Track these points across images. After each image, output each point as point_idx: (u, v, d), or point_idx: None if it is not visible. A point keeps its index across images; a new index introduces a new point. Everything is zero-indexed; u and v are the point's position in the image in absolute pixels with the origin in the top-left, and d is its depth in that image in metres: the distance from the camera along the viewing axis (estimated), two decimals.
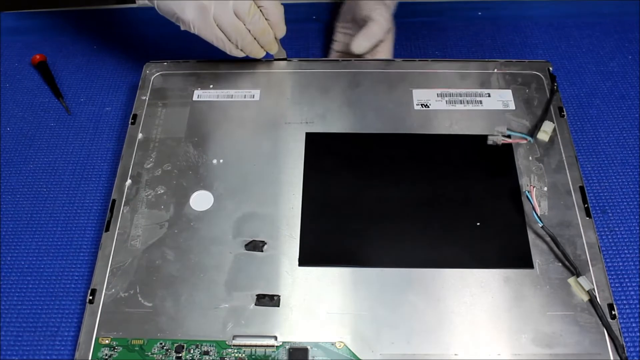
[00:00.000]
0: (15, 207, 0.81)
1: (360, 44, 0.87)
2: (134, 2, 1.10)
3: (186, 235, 0.71)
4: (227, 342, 0.64)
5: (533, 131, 0.77)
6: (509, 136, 0.77)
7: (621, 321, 0.69)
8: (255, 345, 0.64)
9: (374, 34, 0.87)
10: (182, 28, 0.78)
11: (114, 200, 0.74)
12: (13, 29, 1.05)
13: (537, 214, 0.69)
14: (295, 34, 1.01)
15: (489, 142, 0.77)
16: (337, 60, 0.87)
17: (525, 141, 0.76)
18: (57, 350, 0.70)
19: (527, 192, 0.71)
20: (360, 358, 0.63)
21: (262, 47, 0.82)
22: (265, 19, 0.79)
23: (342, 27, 0.94)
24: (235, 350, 0.64)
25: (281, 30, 0.82)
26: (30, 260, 0.77)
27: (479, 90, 0.82)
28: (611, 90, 0.92)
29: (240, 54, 0.81)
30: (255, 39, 0.80)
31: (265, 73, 0.86)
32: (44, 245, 0.78)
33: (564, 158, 0.76)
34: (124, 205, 0.74)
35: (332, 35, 0.95)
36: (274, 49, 0.83)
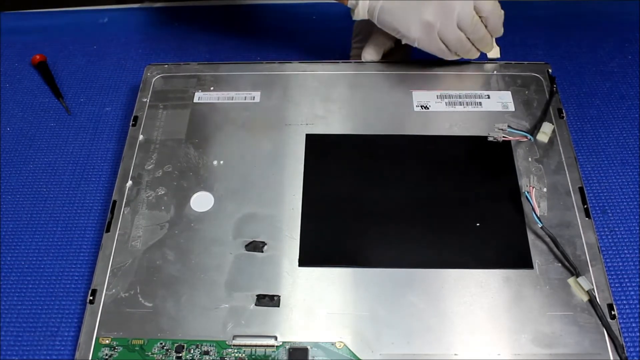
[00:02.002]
0: (15, 207, 0.82)
1: (368, 53, 0.88)
2: (134, 3, 1.10)
3: (187, 236, 0.71)
4: (227, 342, 0.64)
5: (532, 132, 0.77)
6: (509, 133, 0.77)
7: (621, 321, 0.69)
8: (256, 345, 0.64)
9: (381, 42, 0.88)
10: (403, 42, 0.80)
11: (114, 202, 0.74)
12: (13, 29, 1.06)
13: (536, 215, 0.69)
14: (295, 34, 1.02)
15: (489, 138, 0.77)
16: (337, 61, 0.87)
17: (525, 139, 0.76)
18: (57, 350, 0.70)
19: (526, 192, 0.71)
20: (361, 358, 0.63)
21: (478, 49, 0.83)
22: (484, 24, 0.79)
23: (356, 42, 0.95)
24: (235, 350, 0.64)
25: (499, 33, 0.82)
26: (30, 260, 0.77)
27: (479, 92, 0.82)
28: (611, 90, 0.92)
29: (456, 58, 0.82)
30: (473, 44, 0.81)
31: (266, 75, 0.86)
32: (44, 245, 0.78)
33: (564, 159, 0.76)
34: (124, 206, 0.74)
35: (349, 52, 0.96)
36: (490, 49, 0.84)
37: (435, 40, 0.78)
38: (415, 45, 0.79)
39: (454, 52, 0.80)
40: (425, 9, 0.75)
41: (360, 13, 0.80)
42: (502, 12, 0.79)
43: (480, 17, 0.78)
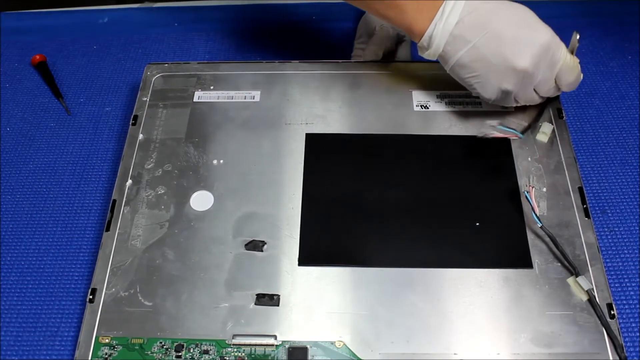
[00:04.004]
0: (15, 207, 0.82)
1: (369, 53, 0.88)
2: (134, 3, 1.10)
3: (186, 235, 0.71)
4: (226, 341, 0.64)
5: (524, 132, 0.78)
6: (499, 130, 0.77)
7: (621, 321, 0.69)
8: (255, 345, 0.64)
9: (381, 42, 0.88)
10: (473, 94, 0.78)
11: (114, 201, 0.74)
12: (13, 29, 1.06)
13: (536, 214, 0.69)
14: (295, 34, 1.02)
15: (479, 134, 0.77)
16: (337, 61, 0.87)
17: (515, 137, 0.77)
18: (57, 350, 0.70)
19: (526, 192, 0.71)
20: (360, 357, 0.63)
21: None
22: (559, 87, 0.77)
23: (358, 43, 0.95)
24: (235, 349, 0.64)
25: (570, 89, 0.77)
26: (30, 260, 0.77)
27: None
28: (611, 90, 0.92)
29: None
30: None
31: (266, 74, 0.86)
32: (44, 245, 0.78)
33: (563, 159, 0.76)
34: (124, 205, 0.74)
35: (351, 52, 0.96)
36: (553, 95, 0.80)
37: (510, 101, 0.76)
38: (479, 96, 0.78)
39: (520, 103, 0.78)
40: (507, 79, 0.72)
41: (430, 55, 0.76)
42: (582, 76, 0.77)
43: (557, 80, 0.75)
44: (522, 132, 0.78)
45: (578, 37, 0.73)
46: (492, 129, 0.78)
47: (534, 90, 0.75)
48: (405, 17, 0.73)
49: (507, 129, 0.77)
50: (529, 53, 0.70)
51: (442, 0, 0.72)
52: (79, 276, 0.75)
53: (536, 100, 0.77)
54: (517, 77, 0.72)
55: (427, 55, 0.76)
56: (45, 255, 0.77)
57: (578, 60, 0.74)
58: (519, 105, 0.77)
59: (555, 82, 0.74)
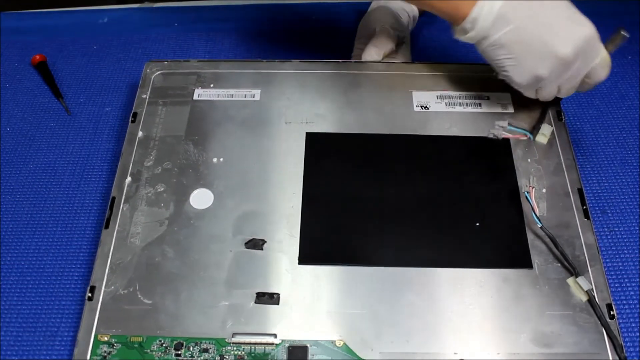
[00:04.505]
0: (15, 207, 0.82)
1: (369, 54, 0.88)
2: (134, 3, 1.10)
3: (186, 233, 0.71)
4: (226, 340, 0.64)
5: (532, 134, 0.78)
6: (509, 131, 0.77)
7: (621, 321, 0.69)
8: (255, 343, 0.64)
9: (381, 43, 0.88)
10: (499, 77, 0.77)
11: (113, 198, 0.74)
12: (13, 29, 1.06)
13: (536, 215, 0.69)
14: (295, 34, 1.02)
15: (490, 135, 0.77)
16: (337, 61, 0.87)
17: (525, 137, 0.76)
18: (56, 350, 0.70)
19: (526, 192, 0.71)
20: (360, 356, 0.63)
21: None
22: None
23: (359, 43, 0.95)
24: (235, 348, 0.64)
25: (592, 87, 0.77)
26: (30, 260, 0.77)
27: (478, 93, 0.82)
28: (611, 90, 0.92)
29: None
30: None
31: (266, 73, 0.86)
32: (44, 245, 0.78)
33: (562, 161, 0.76)
34: (123, 203, 0.74)
35: (351, 52, 0.96)
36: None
37: (531, 90, 0.76)
38: (506, 80, 0.76)
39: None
40: (544, 65, 0.71)
41: (470, 38, 0.74)
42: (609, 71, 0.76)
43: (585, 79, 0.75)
44: (531, 132, 0.78)
45: (625, 34, 0.75)
46: (501, 129, 0.77)
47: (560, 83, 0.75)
48: (450, 1, 0.73)
49: (517, 129, 0.77)
50: (573, 42, 0.70)
51: None
52: (79, 276, 0.75)
53: (553, 96, 0.76)
54: (554, 65, 0.71)
55: (466, 38, 0.75)
56: (45, 255, 0.77)
57: (610, 60, 0.74)
58: (534, 97, 0.77)
59: (584, 78, 0.74)
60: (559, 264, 0.68)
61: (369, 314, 0.65)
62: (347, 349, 0.63)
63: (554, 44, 0.70)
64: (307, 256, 0.69)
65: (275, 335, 0.64)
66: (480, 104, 0.81)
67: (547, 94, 0.75)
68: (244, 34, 1.03)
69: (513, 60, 0.73)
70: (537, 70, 0.72)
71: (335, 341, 0.64)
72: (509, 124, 0.78)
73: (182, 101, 0.83)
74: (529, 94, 0.77)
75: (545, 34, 0.70)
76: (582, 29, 0.71)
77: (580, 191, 0.73)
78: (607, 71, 0.74)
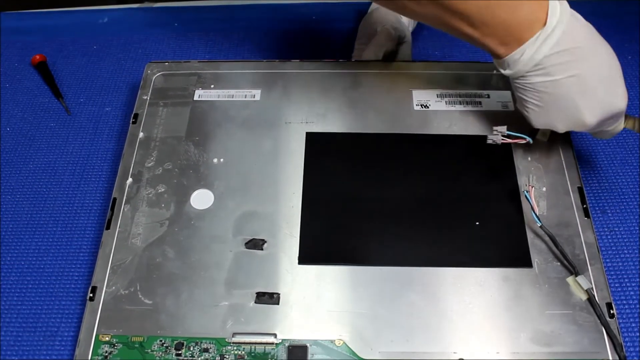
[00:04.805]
0: (15, 207, 0.82)
1: (369, 53, 0.88)
2: (134, 3, 1.10)
3: (187, 233, 0.71)
4: (226, 340, 0.64)
5: (532, 134, 0.77)
6: (508, 136, 0.77)
7: (621, 321, 0.69)
8: (255, 343, 0.64)
9: (381, 43, 0.88)
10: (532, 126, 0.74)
11: (114, 199, 0.74)
12: (13, 29, 1.06)
13: (535, 214, 0.69)
14: (296, 34, 1.02)
15: (489, 141, 0.76)
16: (338, 60, 0.87)
17: (524, 141, 0.76)
18: (57, 350, 0.70)
19: (525, 192, 0.71)
20: (360, 356, 0.63)
21: None
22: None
23: (359, 43, 0.95)
24: (235, 348, 0.64)
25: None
26: (30, 260, 0.77)
27: (479, 92, 0.82)
28: None
29: None
30: None
31: (266, 73, 0.86)
32: (44, 245, 0.78)
33: (563, 159, 0.76)
34: (124, 204, 0.74)
35: (351, 52, 0.96)
36: None
37: (546, 132, 0.77)
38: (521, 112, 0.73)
39: None
40: (565, 123, 0.70)
41: (507, 74, 0.70)
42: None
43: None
44: (530, 134, 0.77)
45: None
46: (500, 135, 0.77)
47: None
48: (494, 38, 0.67)
49: (516, 135, 0.77)
50: (600, 114, 0.68)
51: (537, 28, 0.65)
52: (79, 276, 0.75)
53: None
54: (574, 126, 0.70)
55: (504, 73, 0.70)
56: (45, 255, 0.77)
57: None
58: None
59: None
60: (559, 263, 0.68)
61: (368, 313, 0.65)
62: (347, 348, 0.63)
63: (583, 112, 0.67)
64: (307, 256, 0.70)
65: (275, 335, 0.64)
66: (480, 103, 0.81)
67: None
68: (244, 34, 1.03)
69: (538, 108, 0.70)
70: (556, 123, 0.70)
71: (335, 340, 0.64)
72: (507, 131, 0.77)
73: (182, 102, 0.83)
74: (541, 132, 0.77)
75: (579, 98, 0.67)
76: (616, 102, 0.68)
77: (580, 190, 0.73)
78: (613, 135, 0.74)
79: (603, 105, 0.68)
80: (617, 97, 0.68)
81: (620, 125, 0.72)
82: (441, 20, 0.67)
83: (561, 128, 0.70)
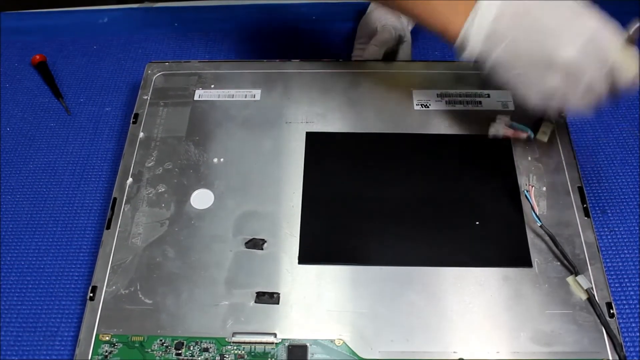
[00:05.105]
0: (15, 207, 0.82)
1: (369, 53, 0.89)
2: (134, 3, 1.10)
3: (187, 233, 0.72)
4: (226, 339, 0.64)
5: (534, 127, 0.77)
6: (511, 126, 0.76)
7: (621, 321, 0.69)
8: (255, 342, 0.64)
9: (382, 41, 0.88)
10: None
11: (114, 199, 0.74)
12: (13, 29, 1.06)
13: (535, 214, 0.69)
14: (295, 34, 1.02)
15: (490, 132, 0.76)
16: (337, 60, 0.87)
17: (526, 135, 0.76)
18: (57, 350, 0.70)
19: (525, 191, 0.71)
20: (360, 356, 0.63)
21: None
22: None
23: (359, 43, 0.95)
24: (235, 347, 0.64)
25: (629, 90, 0.66)
26: (30, 260, 0.77)
27: (479, 91, 0.82)
28: None
29: None
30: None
31: (266, 73, 0.86)
32: (44, 245, 0.78)
33: (563, 159, 0.76)
34: (125, 204, 0.74)
35: (351, 52, 0.96)
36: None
37: (557, 105, 0.66)
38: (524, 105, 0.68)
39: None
40: (551, 74, 0.63)
41: (467, 56, 0.67)
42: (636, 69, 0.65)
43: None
44: (532, 129, 0.77)
45: (639, 24, 0.65)
46: (502, 124, 0.77)
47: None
48: (439, 17, 0.67)
49: (519, 125, 0.76)
50: (573, 42, 0.62)
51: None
52: (79, 276, 0.75)
53: (591, 105, 0.66)
54: (562, 72, 0.63)
55: (464, 57, 0.67)
56: (45, 255, 0.77)
57: (637, 55, 0.65)
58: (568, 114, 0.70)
59: (612, 83, 0.65)
60: (559, 263, 0.68)
61: (368, 313, 0.66)
62: (346, 348, 0.63)
63: (554, 48, 0.62)
64: (307, 256, 0.70)
65: (275, 335, 0.64)
66: (480, 102, 0.81)
67: (577, 106, 0.66)
68: (244, 34, 1.03)
69: (519, 77, 0.65)
70: (547, 82, 0.64)
71: (335, 340, 0.64)
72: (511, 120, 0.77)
73: (183, 102, 0.83)
74: (558, 111, 0.69)
75: (544, 39, 0.63)
76: (584, 24, 0.62)
77: (580, 189, 0.73)
78: (633, 69, 0.64)
79: (572, 31, 0.63)
80: (586, 19, 0.63)
81: (622, 50, 0.64)
82: (393, 4, 0.70)
83: (555, 83, 0.63)
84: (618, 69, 0.63)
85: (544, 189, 0.73)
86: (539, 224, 0.68)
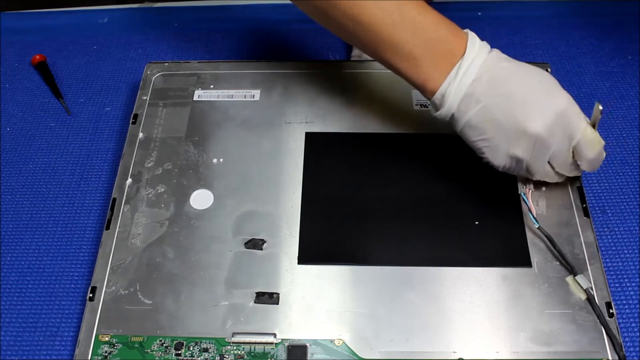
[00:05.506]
0: (15, 207, 0.82)
1: None
2: (134, 3, 1.10)
3: (186, 233, 0.72)
4: (226, 339, 0.64)
5: None
6: None
7: (621, 321, 0.69)
8: (255, 343, 0.64)
9: None
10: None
11: (114, 199, 0.74)
12: (13, 29, 1.06)
13: (533, 215, 0.69)
14: (296, 34, 1.02)
15: None
16: (337, 60, 0.87)
17: None
18: (57, 350, 0.70)
19: (522, 194, 0.71)
20: (359, 356, 0.63)
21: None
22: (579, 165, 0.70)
23: None
24: (235, 347, 0.64)
25: (591, 168, 0.70)
26: (30, 260, 0.77)
27: None
28: (611, 90, 0.91)
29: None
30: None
31: (266, 73, 0.86)
32: (44, 245, 0.78)
33: None
34: (124, 204, 0.74)
35: (351, 52, 0.96)
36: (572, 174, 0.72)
37: (521, 170, 0.69)
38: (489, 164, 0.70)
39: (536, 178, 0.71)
40: (517, 144, 0.65)
41: (442, 115, 0.69)
42: (604, 154, 0.69)
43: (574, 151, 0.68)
44: None
45: (601, 108, 0.66)
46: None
47: (549, 164, 0.69)
48: (419, 71, 0.67)
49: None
50: (542, 116, 0.64)
51: (460, 56, 0.66)
52: (79, 276, 0.75)
53: (551, 176, 0.70)
54: (528, 143, 0.65)
55: (438, 115, 0.69)
56: (45, 255, 0.77)
57: (599, 136, 0.68)
58: (533, 179, 0.71)
59: (574, 158, 0.68)
60: (558, 263, 0.68)
61: (368, 313, 0.66)
62: (346, 348, 0.63)
63: (524, 120, 0.64)
64: (307, 256, 0.70)
65: (274, 335, 0.64)
66: None
67: (540, 175, 0.70)
68: (244, 34, 1.03)
69: (487, 142, 0.67)
70: (511, 149, 0.66)
71: (334, 340, 0.64)
72: None
73: (182, 102, 0.83)
74: (521, 175, 0.71)
75: (514, 108, 0.65)
76: (555, 101, 0.65)
77: (580, 189, 0.73)
78: (596, 150, 0.68)
79: (542, 106, 0.65)
80: (556, 97, 0.66)
81: (587, 130, 0.67)
82: (374, 50, 0.69)
83: (520, 152, 0.66)
84: (582, 144, 0.66)
85: (544, 188, 0.73)
86: (536, 225, 0.68)
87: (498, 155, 0.67)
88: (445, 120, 0.69)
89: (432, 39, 0.66)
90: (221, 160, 0.77)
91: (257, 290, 0.67)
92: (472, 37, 0.67)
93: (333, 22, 0.69)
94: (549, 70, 0.83)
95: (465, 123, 0.67)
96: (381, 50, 0.68)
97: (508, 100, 0.65)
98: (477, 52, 0.66)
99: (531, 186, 0.73)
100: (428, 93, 0.69)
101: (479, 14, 1.04)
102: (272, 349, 0.64)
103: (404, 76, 0.70)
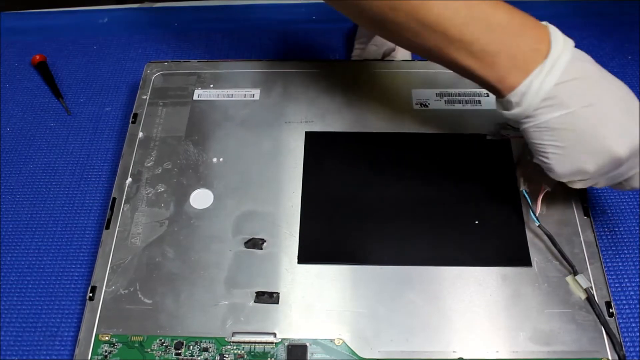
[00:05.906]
0: (15, 207, 0.82)
1: (369, 52, 0.89)
2: (134, 3, 1.10)
3: (186, 233, 0.72)
4: (226, 339, 0.64)
5: None
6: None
7: (621, 321, 0.69)
8: (255, 342, 0.64)
9: (382, 42, 0.89)
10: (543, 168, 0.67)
11: (114, 199, 0.74)
12: (13, 29, 1.06)
13: (534, 213, 0.69)
14: (296, 34, 1.02)
15: (488, 136, 0.77)
16: (337, 60, 0.87)
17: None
18: (57, 350, 0.70)
19: (524, 191, 0.71)
20: (359, 355, 0.63)
21: None
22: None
23: (358, 43, 0.95)
24: (235, 347, 0.64)
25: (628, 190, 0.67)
26: (30, 260, 0.77)
27: (478, 90, 0.82)
28: None
29: None
30: None
31: (265, 72, 0.86)
32: (44, 245, 0.78)
33: None
34: (124, 203, 0.74)
35: (351, 52, 0.96)
36: None
37: (574, 180, 0.65)
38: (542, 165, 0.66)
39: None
40: (593, 160, 0.61)
41: (515, 114, 0.63)
42: None
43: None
44: None
45: None
46: (500, 129, 0.76)
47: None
48: (494, 68, 0.62)
49: (517, 134, 0.76)
50: (630, 142, 0.60)
51: (541, 58, 0.60)
52: (79, 276, 0.75)
53: (587, 186, 0.67)
54: (604, 162, 0.61)
55: (510, 114, 0.63)
56: (45, 255, 0.77)
57: None
58: (574, 186, 0.67)
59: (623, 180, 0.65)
60: (558, 262, 0.68)
61: (368, 312, 0.66)
62: (346, 347, 0.63)
63: (611, 141, 0.60)
64: (307, 255, 0.70)
65: (274, 334, 0.64)
66: (479, 102, 0.81)
67: (582, 185, 0.66)
68: (244, 34, 1.03)
69: (559, 149, 0.62)
70: (584, 164, 0.62)
71: (334, 340, 0.64)
72: (508, 125, 0.76)
73: (182, 101, 0.83)
74: (570, 184, 0.67)
75: (604, 127, 0.60)
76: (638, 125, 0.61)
77: (580, 189, 0.73)
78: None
79: (628, 130, 0.61)
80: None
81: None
82: (439, 51, 0.63)
83: (592, 168, 0.62)
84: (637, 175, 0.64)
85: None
86: (537, 224, 0.68)
87: (566, 164, 0.63)
88: (513, 119, 0.64)
89: (509, 34, 0.61)
90: (221, 159, 0.77)
91: (257, 290, 0.67)
92: (554, 31, 0.62)
93: (391, 24, 0.63)
94: None
95: (540, 124, 0.62)
96: (450, 51, 0.63)
97: (595, 114, 0.60)
98: (561, 49, 0.61)
99: (548, 188, 0.72)
100: (504, 90, 0.63)
101: None
102: (272, 348, 0.64)
103: (474, 75, 0.64)
